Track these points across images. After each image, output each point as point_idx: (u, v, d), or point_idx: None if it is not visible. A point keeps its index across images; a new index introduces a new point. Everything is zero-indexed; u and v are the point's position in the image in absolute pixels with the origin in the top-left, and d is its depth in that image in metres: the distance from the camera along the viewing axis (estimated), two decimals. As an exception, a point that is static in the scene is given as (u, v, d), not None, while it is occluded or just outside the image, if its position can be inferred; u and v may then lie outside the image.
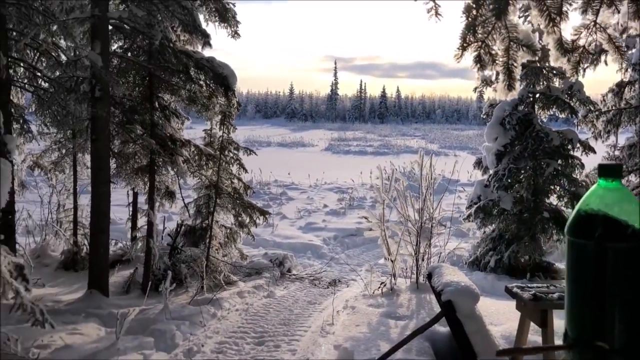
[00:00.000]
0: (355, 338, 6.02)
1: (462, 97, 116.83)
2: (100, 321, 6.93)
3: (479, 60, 2.12)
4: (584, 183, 10.57)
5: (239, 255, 10.61)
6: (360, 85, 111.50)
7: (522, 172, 10.54)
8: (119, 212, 12.98)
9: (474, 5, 2.02)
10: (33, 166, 10.61)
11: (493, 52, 2.11)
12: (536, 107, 10.68)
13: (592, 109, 10.95)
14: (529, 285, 4.58)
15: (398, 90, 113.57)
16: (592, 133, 11.34)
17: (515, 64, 2.09)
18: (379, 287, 8.24)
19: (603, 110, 10.98)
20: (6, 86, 7.91)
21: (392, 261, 8.24)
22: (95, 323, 6.77)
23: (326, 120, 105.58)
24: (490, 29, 2.03)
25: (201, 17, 8.27)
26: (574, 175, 10.60)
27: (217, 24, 8.54)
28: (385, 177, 8.92)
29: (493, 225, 11.00)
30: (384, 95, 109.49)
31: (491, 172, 10.79)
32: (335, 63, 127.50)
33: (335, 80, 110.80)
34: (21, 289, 5.03)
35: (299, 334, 6.86)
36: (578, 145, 10.58)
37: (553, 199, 10.83)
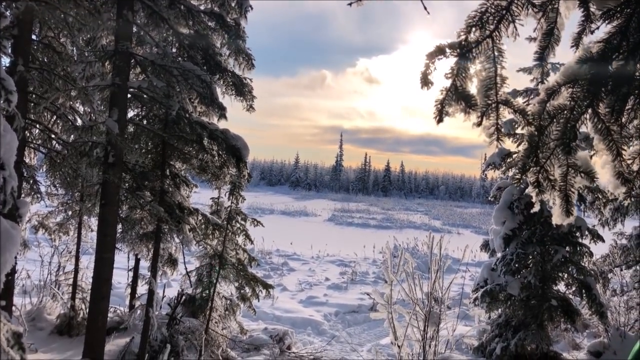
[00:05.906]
0: None
1: (465, 174, 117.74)
2: (92, 394, 6.66)
3: (537, 185, 2.11)
4: (592, 272, 10.40)
5: (238, 329, 10.34)
6: (365, 158, 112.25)
7: (530, 257, 10.39)
8: (117, 276, 12.80)
9: (536, 133, 2.03)
10: (38, 226, 10.55)
11: (552, 177, 2.10)
12: (544, 192, 10.67)
13: (600, 196, 10.93)
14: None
15: (402, 165, 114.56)
16: (599, 220, 11.31)
17: (572, 190, 2.08)
18: (383, 372, 7.95)
19: (610, 198, 10.96)
20: (22, 148, 7.99)
21: (399, 346, 7.99)
22: (87, 396, 6.50)
23: (330, 190, 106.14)
24: (549, 154, 2.03)
25: (218, 90, 8.43)
26: (583, 263, 10.45)
27: (233, 97, 8.70)
28: (391, 252, 8.81)
29: (499, 310, 10.75)
30: (388, 169, 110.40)
31: (499, 255, 10.64)
32: (341, 135, 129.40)
33: (340, 152, 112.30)
34: (17, 359, 4.86)
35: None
36: (586, 233, 10.49)
37: (561, 287, 10.63)
